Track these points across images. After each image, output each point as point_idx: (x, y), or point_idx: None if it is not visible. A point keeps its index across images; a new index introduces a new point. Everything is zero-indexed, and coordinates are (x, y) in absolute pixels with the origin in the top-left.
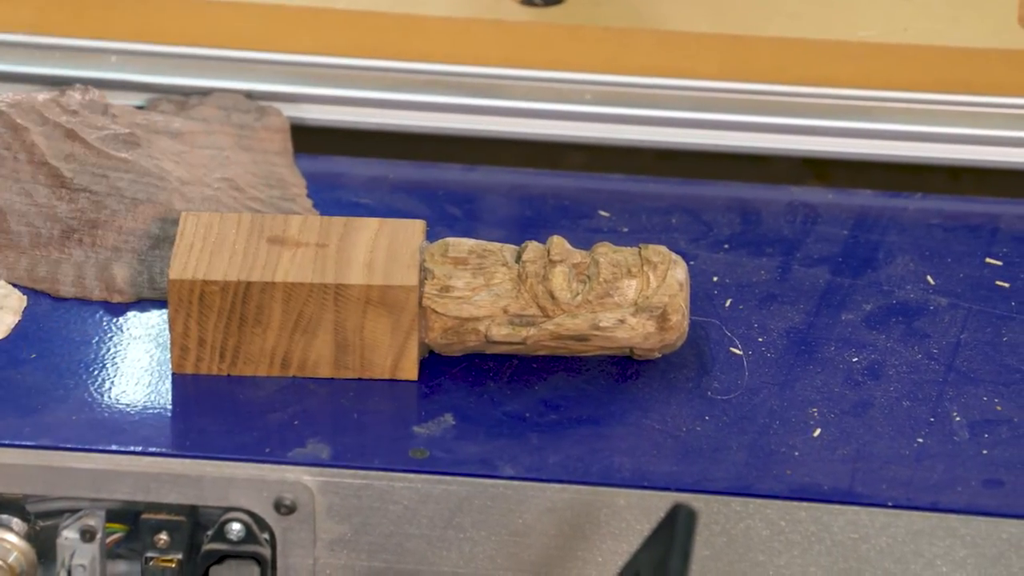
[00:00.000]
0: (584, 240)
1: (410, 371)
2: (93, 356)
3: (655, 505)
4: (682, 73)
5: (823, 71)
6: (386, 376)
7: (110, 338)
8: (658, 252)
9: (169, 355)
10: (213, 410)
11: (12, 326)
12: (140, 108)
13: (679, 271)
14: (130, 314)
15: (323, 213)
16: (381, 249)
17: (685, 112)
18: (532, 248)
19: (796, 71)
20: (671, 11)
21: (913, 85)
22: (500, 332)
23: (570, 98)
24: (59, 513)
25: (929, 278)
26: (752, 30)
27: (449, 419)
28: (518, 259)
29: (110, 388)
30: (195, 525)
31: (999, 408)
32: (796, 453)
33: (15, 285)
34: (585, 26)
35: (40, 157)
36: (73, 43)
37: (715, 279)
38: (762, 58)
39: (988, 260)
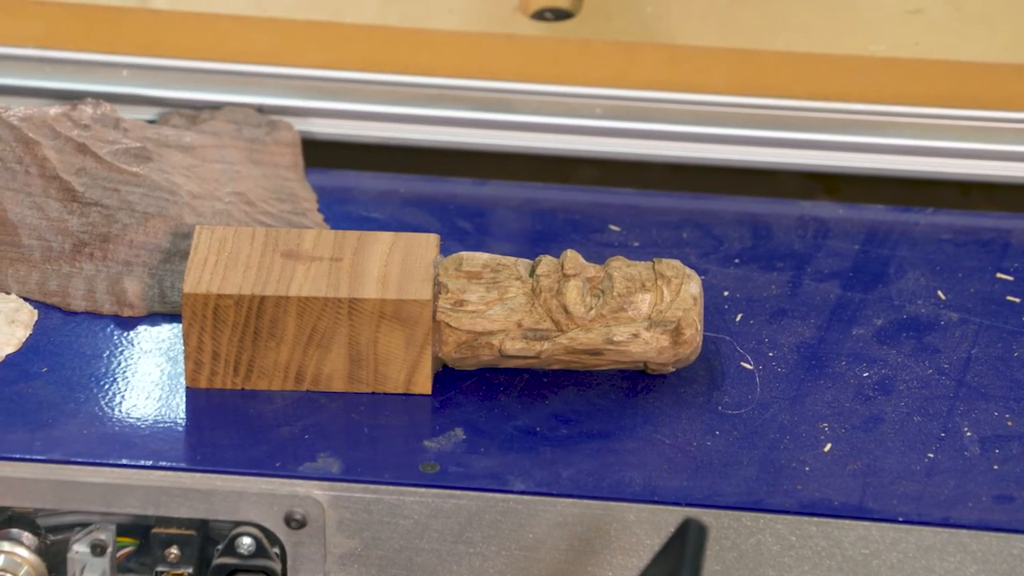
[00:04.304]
0: (595, 254)
1: (424, 385)
2: (104, 370)
3: (665, 520)
4: (692, 87)
5: (833, 85)
6: (400, 390)
7: (121, 352)
8: (672, 266)
9: (180, 369)
10: (224, 424)
11: (23, 340)
12: (151, 122)
13: (693, 285)
14: (141, 328)
15: (334, 227)
16: (395, 263)
17: (695, 126)
18: (546, 262)
19: (806, 85)
20: (681, 25)
21: (924, 100)
22: (514, 346)
23: (580, 112)
24: (70, 527)
25: (940, 293)
26: (762, 44)
27: (460, 433)
28: (532, 273)
29: (121, 402)
30: (205, 539)
31: (1010, 423)
32: (807, 468)
33: (26, 299)
34: (595, 40)
35: (52, 171)
36: (84, 57)
37: (726, 294)
38: (772, 72)
39: (999, 275)
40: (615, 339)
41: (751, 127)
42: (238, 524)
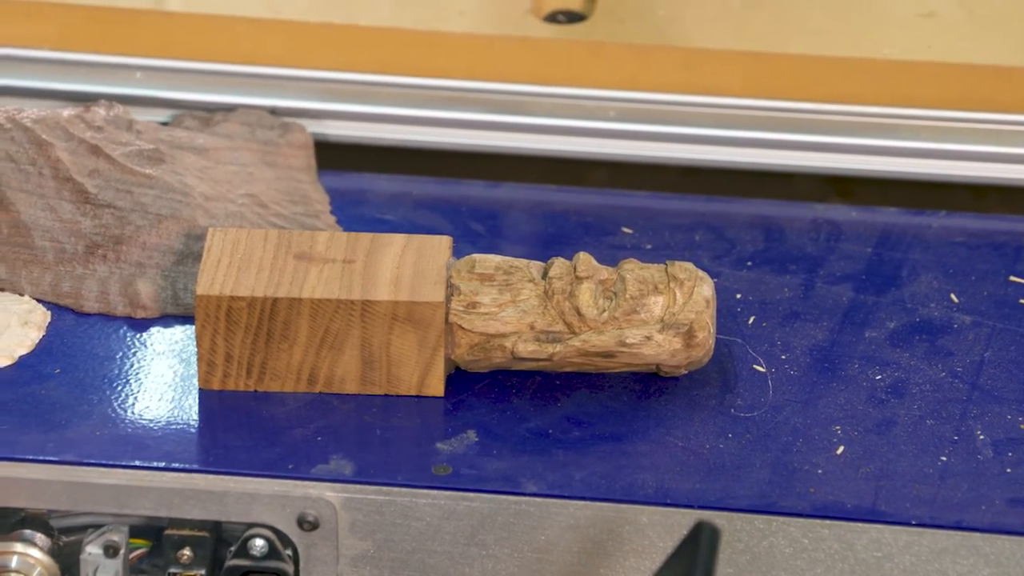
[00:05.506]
0: (607, 257)
1: (436, 387)
2: (117, 371)
3: (678, 522)
4: (705, 90)
5: (846, 88)
6: (412, 392)
7: (134, 353)
8: (684, 269)
9: (192, 370)
10: (236, 426)
11: (36, 341)
12: (164, 124)
13: (706, 288)
14: (154, 330)
15: (346, 229)
16: (408, 265)
17: (708, 129)
18: (559, 264)
19: (819, 88)
20: (694, 28)
21: (936, 103)
22: (527, 348)
23: (593, 115)
24: (83, 528)
25: (953, 296)
26: (775, 47)
27: (472, 436)
28: (544, 275)
29: (134, 404)
30: (218, 541)
31: (1023, 427)
32: (819, 471)
33: (39, 300)
34: (608, 43)
35: (65, 173)
36: (98, 59)
37: (738, 296)
38: (785, 75)
39: (1012, 278)
40: (627, 341)
41: (764, 130)
42: (251, 526)
